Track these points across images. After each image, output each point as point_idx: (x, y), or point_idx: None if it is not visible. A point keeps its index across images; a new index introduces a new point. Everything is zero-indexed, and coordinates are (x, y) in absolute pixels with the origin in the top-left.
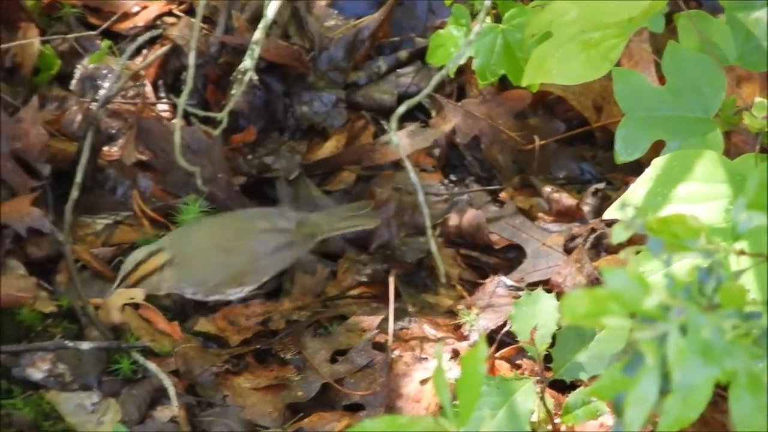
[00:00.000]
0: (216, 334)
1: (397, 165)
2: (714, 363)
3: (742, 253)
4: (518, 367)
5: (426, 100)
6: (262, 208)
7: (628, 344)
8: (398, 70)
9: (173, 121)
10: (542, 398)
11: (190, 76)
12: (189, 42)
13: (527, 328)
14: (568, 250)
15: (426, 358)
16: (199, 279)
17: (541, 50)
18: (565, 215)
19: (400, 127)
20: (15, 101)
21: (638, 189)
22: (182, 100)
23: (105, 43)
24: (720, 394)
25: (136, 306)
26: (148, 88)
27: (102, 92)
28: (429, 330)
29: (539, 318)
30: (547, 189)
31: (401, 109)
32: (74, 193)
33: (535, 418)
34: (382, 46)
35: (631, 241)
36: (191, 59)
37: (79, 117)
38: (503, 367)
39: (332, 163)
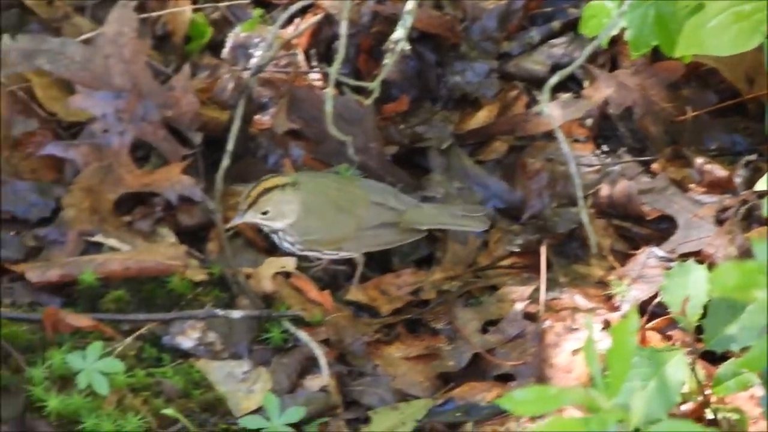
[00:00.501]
0: (367, 304)
1: (550, 135)
2: None
3: None
4: (669, 338)
5: (579, 70)
6: (381, 184)
7: None
8: (551, 40)
9: (325, 90)
10: (693, 369)
11: (342, 45)
12: (341, 11)
13: (679, 300)
14: (719, 222)
15: (577, 329)
16: (304, 228)
17: (693, 22)
18: (717, 187)
19: (553, 97)
20: (166, 69)
21: None
22: (334, 70)
23: (257, 12)
24: None
25: (287, 275)
26: (301, 57)
27: (254, 61)
28: (580, 300)
29: (691, 289)
30: (699, 160)
31: (553, 79)
32: (225, 162)
33: (685, 389)
34: (535, 17)
35: None
36: (343, 28)
37: (230, 85)
38: (654, 338)
39: (484, 133)
